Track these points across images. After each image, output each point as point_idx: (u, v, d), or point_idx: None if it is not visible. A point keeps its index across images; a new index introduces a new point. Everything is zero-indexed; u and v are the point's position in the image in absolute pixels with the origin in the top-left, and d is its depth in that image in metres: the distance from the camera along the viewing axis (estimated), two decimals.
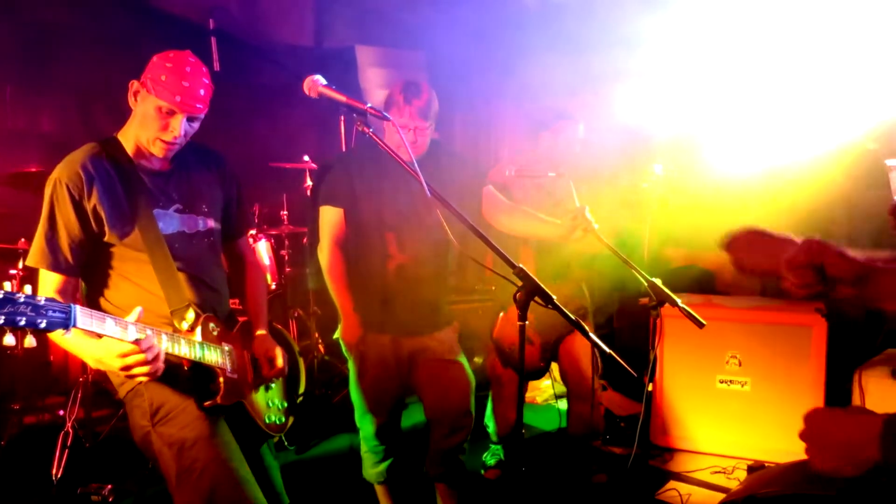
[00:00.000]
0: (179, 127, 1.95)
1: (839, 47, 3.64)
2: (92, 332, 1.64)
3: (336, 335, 2.76)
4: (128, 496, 3.12)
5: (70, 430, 3.29)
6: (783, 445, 3.55)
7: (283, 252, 4.73)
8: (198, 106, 1.97)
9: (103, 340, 1.74)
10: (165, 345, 1.82)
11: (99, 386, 3.89)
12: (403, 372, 2.75)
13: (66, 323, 1.55)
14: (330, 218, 2.69)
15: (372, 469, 2.88)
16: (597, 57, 4.37)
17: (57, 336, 1.62)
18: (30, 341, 1.49)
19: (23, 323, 1.47)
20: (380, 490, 2.94)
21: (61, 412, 3.63)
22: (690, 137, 4.21)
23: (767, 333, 3.67)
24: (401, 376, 2.75)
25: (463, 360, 2.80)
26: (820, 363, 3.56)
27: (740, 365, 3.69)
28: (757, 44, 3.97)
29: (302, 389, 2.46)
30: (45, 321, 1.51)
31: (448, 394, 2.74)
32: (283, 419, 2.26)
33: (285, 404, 2.31)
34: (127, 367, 1.75)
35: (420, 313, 2.73)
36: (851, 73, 3.65)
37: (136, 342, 1.71)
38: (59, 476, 3.16)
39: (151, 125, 1.95)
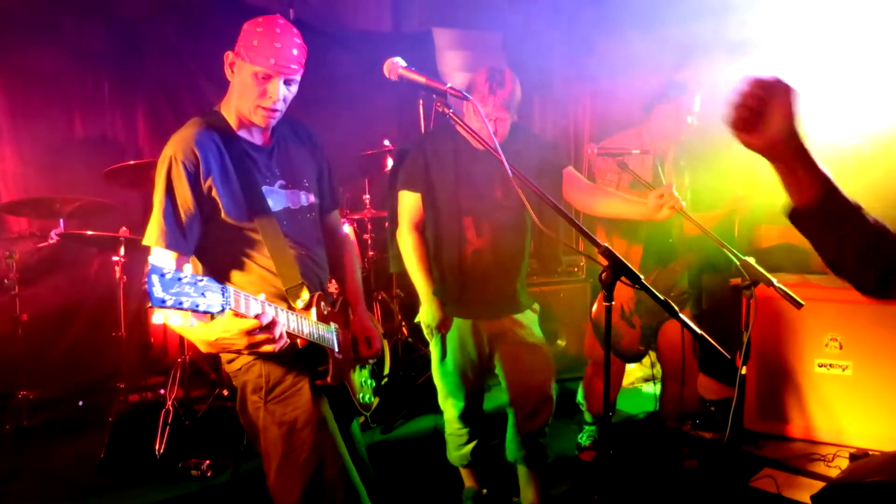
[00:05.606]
0: (277, 91, 1.93)
1: None
2: (240, 314, 1.60)
3: (417, 318, 2.77)
4: (224, 471, 3.25)
5: (170, 408, 3.46)
6: (889, 433, 3.36)
7: (366, 236, 4.79)
8: (292, 66, 1.93)
9: (216, 321, 1.65)
10: (293, 323, 1.82)
11: (196, 367, 4.09)
12: (484, 355, 2.75)
13: (223, 305, 1.50)
14: (408, 203, 2.69)
15: (456, 452, 2.90)
16: (681, 30, 4.19)
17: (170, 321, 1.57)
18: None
19: (187, 305, 1.42)
20: (464, 472, 2.97)
21: (162, 391, 3.82)
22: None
23: (870, 314, 3.46)
24: (481, 360, 2.75)
25: (544, 343, 2.77)
26: None
27: (841, 348, 3.50)
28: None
29: (387, 371, 2.48)
30: (205, 303, 1.45)
31: (528, 377, 2.72)
32: (373, 398, 2.29)
33: (373, 383, 2.33)
34: (254, 345, 1.71)
35: (498, 297, 2.72)
36: None
37: (257, 317, 1.65)
38: (161, 451, 3.33)
39: (250, 93, 1.94)
